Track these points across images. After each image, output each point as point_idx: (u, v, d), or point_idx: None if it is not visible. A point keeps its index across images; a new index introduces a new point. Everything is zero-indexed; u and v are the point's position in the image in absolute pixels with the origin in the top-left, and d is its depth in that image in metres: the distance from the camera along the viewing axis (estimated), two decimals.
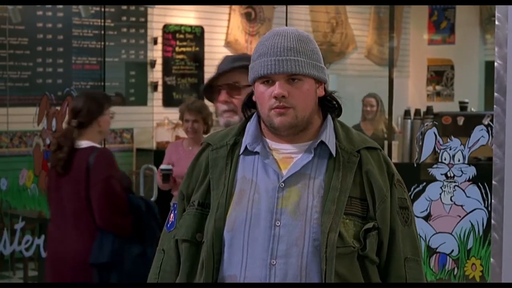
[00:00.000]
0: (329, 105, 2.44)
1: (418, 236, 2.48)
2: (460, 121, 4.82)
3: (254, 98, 2.41)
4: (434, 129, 3.78)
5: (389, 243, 2.36)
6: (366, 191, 2.34)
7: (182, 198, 2.47)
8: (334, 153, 2.35)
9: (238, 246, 2.31)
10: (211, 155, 2.43)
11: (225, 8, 9.63)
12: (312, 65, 2.33)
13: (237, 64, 3.33)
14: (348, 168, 2.34)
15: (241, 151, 2.41)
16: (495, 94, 3.10)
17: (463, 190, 3.73)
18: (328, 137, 2.37)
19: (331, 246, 2.25)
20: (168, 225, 2.51)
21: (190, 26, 9.43)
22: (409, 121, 6.55)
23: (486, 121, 3.62)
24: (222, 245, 2.33)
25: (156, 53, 9.17)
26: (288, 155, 2.37)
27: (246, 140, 2.40)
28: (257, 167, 2.37)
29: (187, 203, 2.45)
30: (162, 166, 5.81)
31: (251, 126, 2.43)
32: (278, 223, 2.29)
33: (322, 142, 2.36)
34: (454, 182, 3.74)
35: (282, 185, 2.32)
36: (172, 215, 2.51)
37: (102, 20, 6.76)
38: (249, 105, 2.47)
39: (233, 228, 2.32)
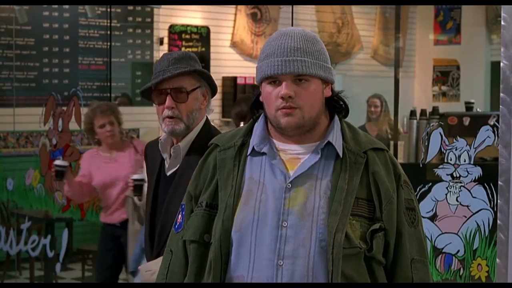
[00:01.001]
0: (336, 106, 2.44)
1: (425, 237, 2.48)
2: (466, 121, 4.81)
3: (261, 98, 2.41)
4: (440, 130, 3.78)
5: (396, 244, 2.36)
6: (372, 192, 2.34)
7: (190, 199, 2.48)
8: (341, 154, 2.36)
9: (245, 247, 2.32)
10: (219, 156, 2.43)
11: (231, 9, 9.64)
12: (319, 65, 2.33)
13: (186, 69, 3.21)
14: (354, 169, 2.34)
15: (249, 151, 2.41)
16: (501, 94, 3.09)
17: (469, 191, 3.73)
18: (335, 138, 2.37)
19: (338, 247, 2.25)
20: (176, 226, 2.51)
21: (196, 27, 9.44)
22: (414, 121, 6.54)
23: (492, 121, 3.61)
24: (230, 245, 2.33)
25: (162, 53, 9.16)
26: (295, 156, 2.37)
27: (254, 141, 2.41)
28: (264, 168, 2.38)
29: (195, 204, 2.45)
30: (57, 162, 5.41)
31: (258, 126, 2.43)
32: (285, 224, 2.30)
33: (329, 143, 2.36)
34: (460, 182, 3.73)
35: (289, 185, 2.33)
36: (180, 216, 2.51)
37: (108, 21, 6.77)
38: (257, 106, 2.47)
39: (240, 228, 2.32)
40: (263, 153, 2.39)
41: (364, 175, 2.35)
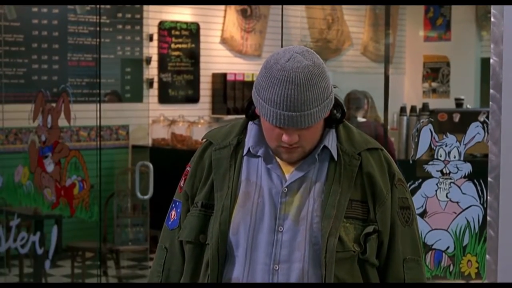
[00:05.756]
0: (334, 122, 2.39)
1: (420, 236, 2.47)
2: (456, 118, 4.82)
3: (257, 112, 2.34)
4: (430, 126, 3.78)
5: (388, 244, 2.35)
6: (367, 193, 2.32)
7: (186, 198, 2.44)
8: (335, 157, 2.34)
9: (242, 250, 2.31)
10: (214, 155, 2.40)
11: (220, 5, 9.62)
12: (323, 107, 2.25)
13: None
14: (349, 171, 2.32)
15: (245, 152, 2.38)
16: (491, 91, 3.09)
17: (459, 187, 3.73)
18: (330, 141, 2.35)
19: (331, 252, 2.24)
20: (170, 223, 2.49)
21: (186, 23, 9.42)
22: (404, 117, 6.55)
23: (481, 118, 3.62)
24: (226, 247, 2.32)
25: (151, 49, 9.15)
26: None
27: (249, 142, 2.38)
28: (261, 170, 2.36)
29: (191, 203, 2.42)
30: None
31: (253, 127, 2.40)
32: (280, 229, 2.29)
33: (324, 147, 2.35)
34: (450, 178, 3.74)
35: (285, 190, 2.32)
36: (174, 212, 2.49)
37: (98, 17, 6.73)
38: (251, 115, 2.41)
39: (237, 231, 2.31)
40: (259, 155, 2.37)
41: (359, 176, 2.33)
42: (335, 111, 2.36)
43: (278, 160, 2.36)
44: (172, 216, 2.49)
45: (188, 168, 2.49)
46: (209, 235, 2.34)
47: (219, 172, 2.38)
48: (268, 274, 2.28)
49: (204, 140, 2.48)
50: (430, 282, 3.80)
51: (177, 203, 2.49)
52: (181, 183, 2.50)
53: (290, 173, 2.34)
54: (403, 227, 2.37)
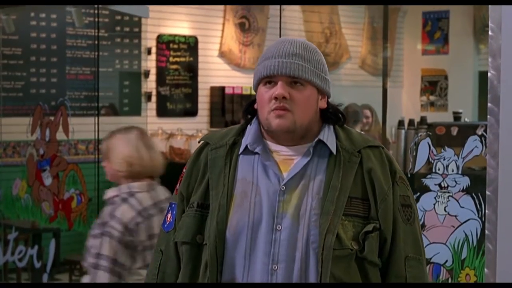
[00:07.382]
0: (331, 117, 2.43)
1: (421, 234, 2.47)
2: (454, 131, 4.81)
3: (255, 106, 2.41)
4: (428, 139, 3.78)
5: (390, 241, 2.35)
6: (368, 189, 2.33)
7: (182, 199, 2.46)
8: (334, 151, 2.35)
9: (240, 250, 2.31)
10: (210, 155, 2.42)
11: (219, 18, 9.63)
12: (316, 73, 2.34)
13: None
14: (348, 167, 2.34)
15: (241, 150, 2.40)
16: (489, 104, 3.09)
17: (457, 200, 3.72)
18: (327, 136, 2.37)
19: (328, 249, 2.24)
20: (166, 225, 2.50)
21: (184, 36, 9.43)
22: (403, 131, 6.54)
23: (480, 131, 3.62)
24: (225, 246, 2.32)
25: (150, 63, 9.15)
26: (289, 157, 2.37)
27: (247, 140, 2.40)
28: (257, 169, 2.37)
29: (186, 204, 2.43)
30: None
31: (252, 127, 2.43)
32: (279, 227, 2.30)
33: (322, 142, 2.36)
34: (448, 192, 3.73)
35: (283, 188, 2.33)
36: (169, 215, 2.50)
37: (96, 30, 6.74)
38: (249, 112, 2.46)
39: (235, 231, 2.32)
40: (256, 153, 2.38)
41: (359, 173, 2.35)
42: (331, 111, 2.44)
43: (275, 157, 2.37)
44: (168, 219, 2.50)
45: (184, 171, 2.50)
46: (206, 235, 2.35)
47: (215, 171, 2.39)
48: (267, 274, 2.28)
49: (201, 142, 2.50)
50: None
51: (173, 206, 2.50)
52: (177, 185, 2.51)
53: (287, 171, 2.35)
54: (405, 225, 2.38)
